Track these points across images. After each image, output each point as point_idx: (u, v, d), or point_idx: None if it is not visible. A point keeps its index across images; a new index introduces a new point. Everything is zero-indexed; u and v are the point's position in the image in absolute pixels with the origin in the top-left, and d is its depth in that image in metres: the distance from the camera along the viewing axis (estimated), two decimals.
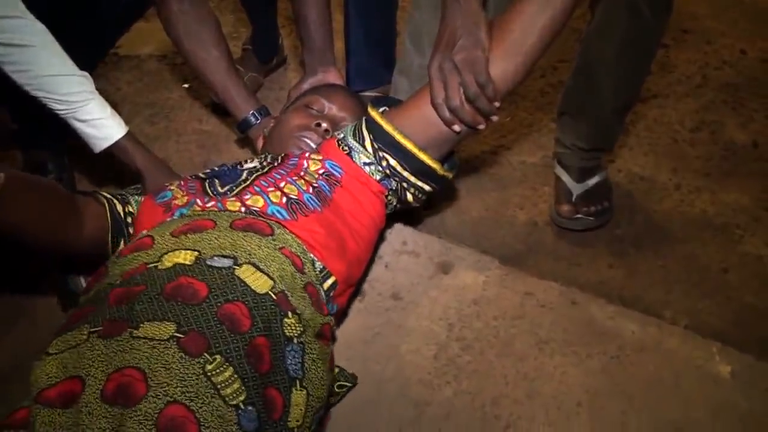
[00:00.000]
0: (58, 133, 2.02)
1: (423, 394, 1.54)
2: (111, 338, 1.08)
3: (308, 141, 1.74)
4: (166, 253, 1.28)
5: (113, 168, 2.13)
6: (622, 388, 1.53)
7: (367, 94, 2.24)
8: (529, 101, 2.41)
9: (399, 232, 1.85)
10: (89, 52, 1.76)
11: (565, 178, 1.93)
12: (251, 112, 2.03)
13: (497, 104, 1.52)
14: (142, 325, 1.10)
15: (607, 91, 1.77)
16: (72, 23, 1.74)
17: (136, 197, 1.72)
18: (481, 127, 1.56)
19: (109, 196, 1.66)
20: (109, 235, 1.60)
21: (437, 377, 1.57)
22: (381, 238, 1.78)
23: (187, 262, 1.24)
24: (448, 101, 1.52)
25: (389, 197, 1.68)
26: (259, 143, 1.97)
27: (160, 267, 1.24)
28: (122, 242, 1.62)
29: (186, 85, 2.54)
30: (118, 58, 2.63)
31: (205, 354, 1.07)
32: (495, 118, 1.55)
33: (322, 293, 1.42)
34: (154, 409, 0.99)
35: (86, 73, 1.74)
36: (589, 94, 1.79)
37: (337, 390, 1.48)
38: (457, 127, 1.55)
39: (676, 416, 1.48)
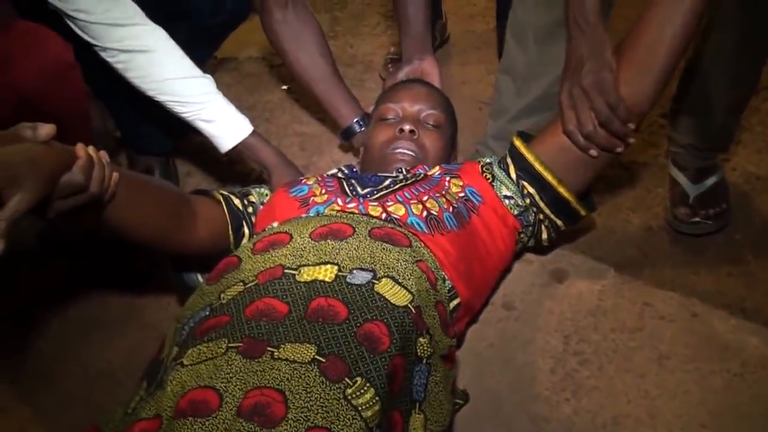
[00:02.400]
0: (164, 141, 2.08)
1: (541, 410, 1.53)
2: (252, 359, 1.09)
3: (403, 150, 1.75)
4: (305, 265, 1.29)
5: (222, 172, 2.18)
6: (746, 409, 1.49)
7: None
8: None
9: None
10: (194, 58, 1.79)
11: (681, 179, 1.89)
12: (355, 120, 2.06)
13: (632, 125, 1.49)
14: (283, 345, 1.11)
15: (723, 88, 1.72)
16: (177, 30, 1.77)
17: (259, 189, 1.75)
18: (620, 150, 1.54)
19: (225, 193, 1.69)
20: (230, 229, 1.63)
21: (555, 393, 1.56)
22: None
23: (327, 279, 1.25)
24: (581, 127, 1.52)
25: (522, 234, 1.68)
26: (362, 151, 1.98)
27: (298, 279, 1.26)
28: (246, 233, 1.65)
29: (285, 87, 2.57)
30: (217, 61, 2.66)
31: (346, 379, 1.07)
32: (632, 140, 1.53)
33: (449, 313, 1.43)
34: None
35: (208, 75, 1.78)
36: (704, 91, 1.75)
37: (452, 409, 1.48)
38: (594, 152, 1.54)
39: None
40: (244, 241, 1.64)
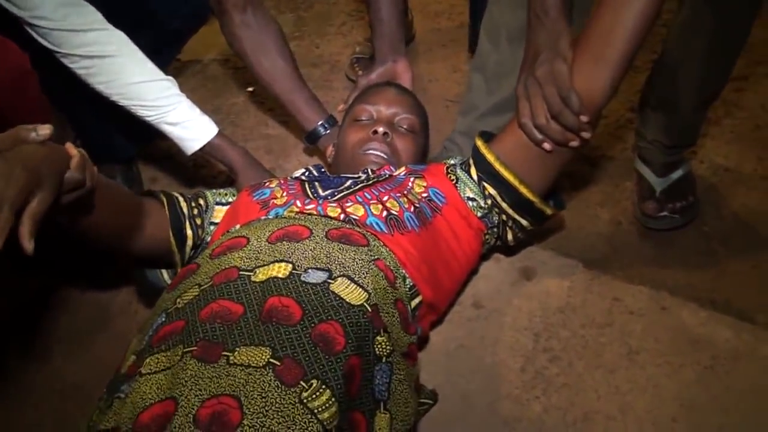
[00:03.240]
0: (126, 146, 2.06)
1: (512, 410, 1.52)
2: (207, 363, 1.08)
3: (375, 152, 1.75)
4: (260, 266, 1.28)
5: (187, 177, 2.17)
6: (719, 401, 1.49)
7: None
8: None
9: None
10: (155, 62, 1.77)
11: (647, 173, 1.89)
12: (320, 122, 2.05)
13: (585, 118, 1.44)
14: (238, 349, 1.10)
15: (691, 88, 1.71)
16: (137, 35, 1.75)
17: (218, 190, 1.75)
18: (574, 144, 1.49)
19: (176, 194, 1.68)
20: (170, 232, 1.62)
21: (526, 392, 1.55)
22: None
23: (281, 276, 1.24)
24: (534, 119, 1.49)
25: (488, 235, 1.66)
26: (328, 153, 1.97)
27: (253, 279, 1.25)
28: (189, 234, 1.63)
29: (250, 89, 2.55)
30: (181, 64, 2.64)
31: (301, 382, 1.05)
32: (586, 134, 1.47)
33: (410, 311, 1.42)
34: None
35: (170, 77, 1.76)
36: (673, 88, 1.73)
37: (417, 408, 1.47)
38: (547, 146, 1.50)
39: None
40: (188, 242, 1.63)
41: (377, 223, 1.49)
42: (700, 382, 1.53)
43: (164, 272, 1.69)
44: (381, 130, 1.75)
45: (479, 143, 1.63)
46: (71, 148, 1.20)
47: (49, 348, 1.79)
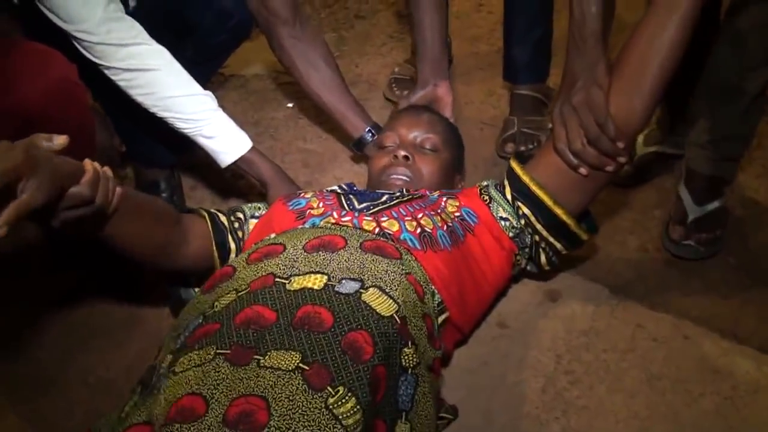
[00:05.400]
0: (168, 154, 2.10)
1: (531, 429, 1.53)
2: (239, 366, 1.11)
3: (397, 176, 1.77)
4: (296, 275, 1.31)
5: (225, 186, 2.21)
6: None
7: (523, 92, 2.27)
8: None
9: None
10: (199, 74, 1.81)
11: (686, 197, 1.87)
12: (367, 129, 2.08)
13: (621, 144, 1.47)
14: (269, 353, 1.13)
15: (758, 60, 1.67)
16: (182, 47, 1.79)
17: (252, 204, 1.79)
18: (610, 168, 1.52)
19: (213, 210, 1.72)
20: (213, 245, 1.65)
21: (545, 412, 1.56)
22: None
23: (316, 287, 1.28)
24: (570, 144, 1.51)
25: (519, 257, 1.67)
26: None
27: (288, 288, 1.28)
28: (232, 248, 1.67)
29: (290, 105, 2.59)
30: (224, 78, 2.69)
31: (328, 388, 1.08)
32: (622, 159, 1.50)
33: (437, 327, 1.44)
34: None
35: (209, 92, 1.80)
36: (737, 65, 1.69)
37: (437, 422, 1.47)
38: (583, 171, 1.52)
39: None
40: (232, 255, 1.67)
41: (411, 239, 1.52)
42: (719, 412, 1.53)
43: (195, 292, 1.70)
44: (401, 154, 1.79)
45: (514, 165, 1.65)
46: (88, 165, 1.24)
47: (82, 342, 1.83)
